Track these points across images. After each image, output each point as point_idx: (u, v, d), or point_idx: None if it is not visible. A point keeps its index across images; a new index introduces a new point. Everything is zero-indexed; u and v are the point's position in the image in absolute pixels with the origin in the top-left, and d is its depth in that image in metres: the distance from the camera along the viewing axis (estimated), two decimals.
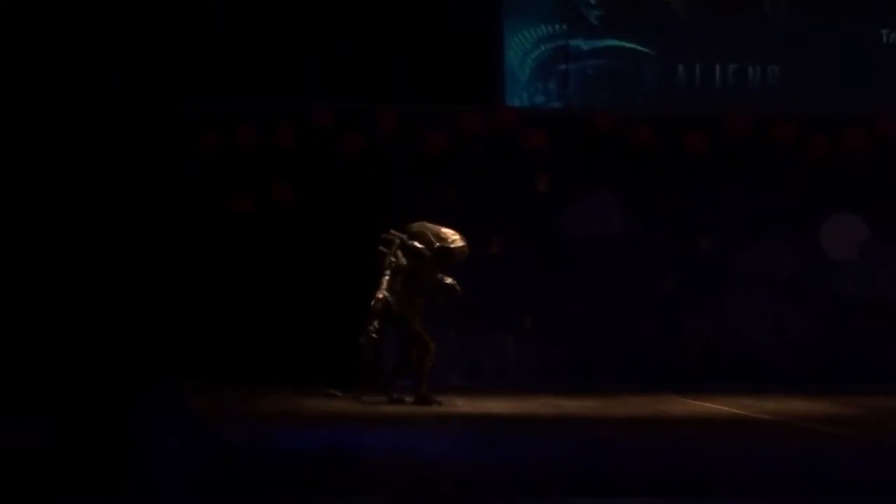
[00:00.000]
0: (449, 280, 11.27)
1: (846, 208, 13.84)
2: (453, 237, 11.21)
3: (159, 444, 6.70)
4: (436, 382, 13.32)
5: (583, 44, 13.88)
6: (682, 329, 13.61)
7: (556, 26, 13.87)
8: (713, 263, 13.72)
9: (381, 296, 11.11)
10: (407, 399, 11.10)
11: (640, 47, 13.89)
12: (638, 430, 9.64)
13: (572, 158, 13.73)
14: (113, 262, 12.78)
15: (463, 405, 11.22)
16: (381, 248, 11.25)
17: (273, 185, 13.40)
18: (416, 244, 11.17)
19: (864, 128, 13.64)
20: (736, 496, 6.48)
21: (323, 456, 7.84)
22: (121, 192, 13.00)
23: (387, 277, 11.15)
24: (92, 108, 12.57)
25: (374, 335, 11.15)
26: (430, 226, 11.30)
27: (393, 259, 11.17)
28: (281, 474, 7.03)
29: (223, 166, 13.43)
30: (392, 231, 11.29)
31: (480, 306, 13.50)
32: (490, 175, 13.64)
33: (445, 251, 11.11)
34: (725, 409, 10.56)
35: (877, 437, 8.86)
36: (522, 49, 13.85)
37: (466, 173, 13.65)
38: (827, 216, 13.83)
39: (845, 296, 13.86)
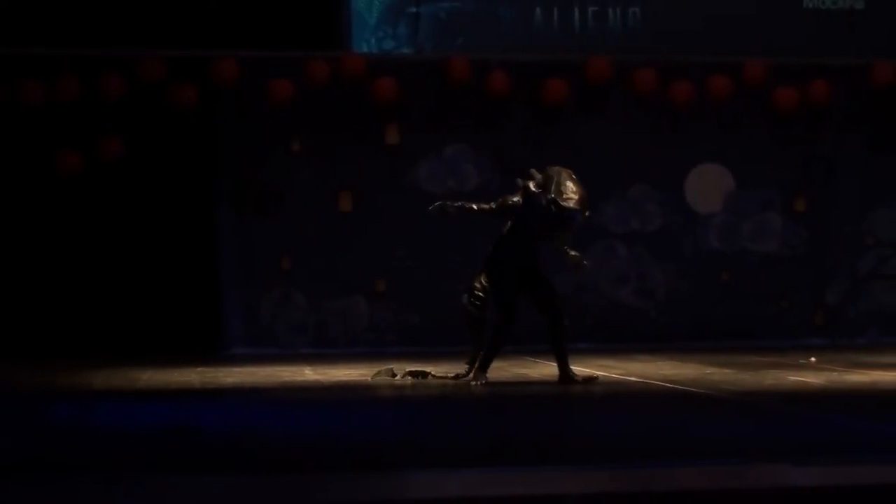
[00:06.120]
0: (573, 252, 9.28)
1: (711, 158, 13.44)
2: (571, 195, 8.97)
3: None
4: (281, 349, 12.67)
5: None
6: None
7: None
8: None
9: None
10: (578, 378, 9.29)
11: None
12: (491, 395, 9.01)
13: (424, 108, 13.05)
14: None
15: (311, 373, 10.45)
16: (518, 180, 9.24)
17: (100, 141, 12.42)
18: (532, 183, 9.12)
19: (731, 74, 13.17)
20: (594, 462, 5.99)
21: (159, 432, 7.24)
22: None
23: (476, 206, 9.27)
24: None
25: (477, 293, 9.36)
26: (566, 176, 9.10)
27: (513, 199, 9.18)
28: (111, 452, 6.47)
29: (44, 120, 12.44)
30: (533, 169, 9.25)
31: (329, 268, 12.91)
32: (337, 127, 12.89)
33: (554, 206, 8.97)
34: (586, 370, 10.04)
35: (742, 399, 8.40)
36: None
37: (311, 125, 12.89)
38: (691, 166, 13.43)
39: (711, 249, 13.49)
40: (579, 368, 9.65)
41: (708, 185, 13.49)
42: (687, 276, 13.48)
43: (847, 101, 13.59)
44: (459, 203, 9.44)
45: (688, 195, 13.50)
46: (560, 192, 9.00)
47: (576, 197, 9.00)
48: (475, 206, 9.33)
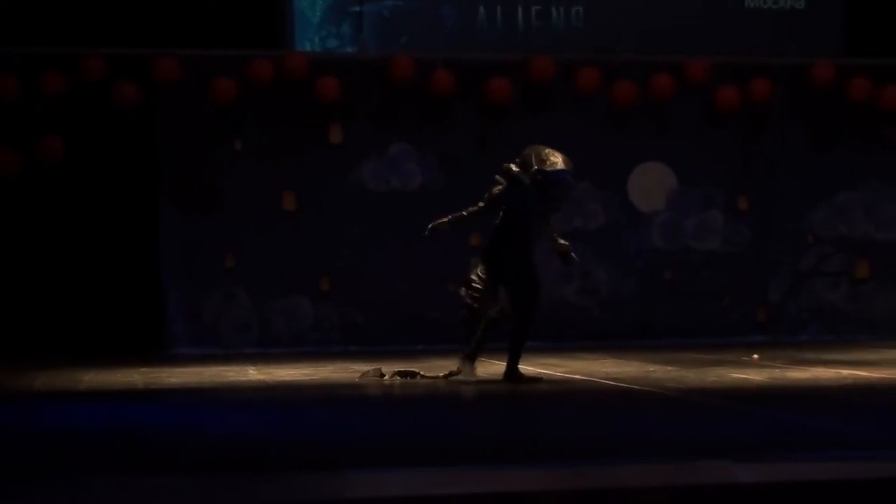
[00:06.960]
0: (563, 241, 9.36)
1: (653, 156, 13.51)
2: (554, 159, 9.01)
3: None
4: (225, 349, 12.61)
5: None
6: None
7: None
8: None
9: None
10: (524, 378, 9.30)
11: None
12: (438, 394, 9.01)
13: (368, 107, 13.02)
14: None
15: (255, 373, 10.40)
16: (497, 176, 9.20)
17: (40, 140, 12.30)
18: (513, 165, 9.12)
19: (674, 72, 13.25)
20: (538, 460, 6.01)
21: (101, 433, 7.17)
22: None
23: (466, 212, 9.21)
24: None
25: (475, 286, 9.16)
26: (541, 147, 9.17)
27: (498, 188, 9.13)
28: (56, 454, 6.39)
29: None
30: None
31: (273, 267, 12.86)
32: (280, 125, 12.85)
33: (541, 174, 8.97)
34: (531, 369, 10.06)
35: (685, 396, 8.45)
36: None
37: (255, 124, 12.84)
38: (634, 165, 13.49)
39: (654, 247, 13.56)
40: (524, 367, 9.66)
41: (651, 184, 13.56)
42: (630, 274, 13.54)
43: (788, 99, 13.70)
44: (449, 217, 9.33)
45: (631, 193, 13.56)
46: (542, 161, 9.02)
47: (558, 159, 9.04)
48: (465, 213, 9.30)
